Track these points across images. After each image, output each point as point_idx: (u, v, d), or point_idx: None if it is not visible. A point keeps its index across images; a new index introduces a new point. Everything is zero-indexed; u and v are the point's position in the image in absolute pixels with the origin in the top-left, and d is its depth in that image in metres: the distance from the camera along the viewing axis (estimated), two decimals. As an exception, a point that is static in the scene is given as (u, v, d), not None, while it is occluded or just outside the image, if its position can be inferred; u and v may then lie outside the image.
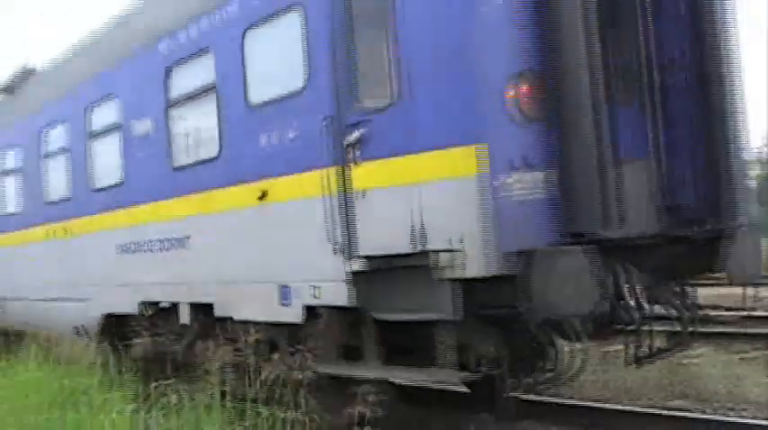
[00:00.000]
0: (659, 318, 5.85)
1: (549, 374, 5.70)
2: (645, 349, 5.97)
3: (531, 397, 6.46)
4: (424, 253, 4.55)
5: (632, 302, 4.96)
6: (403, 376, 5.41)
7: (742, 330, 9.64)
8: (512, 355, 5.12)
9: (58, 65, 10.10)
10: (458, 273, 4.41)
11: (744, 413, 6.29)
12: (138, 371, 7.45)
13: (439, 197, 4.50)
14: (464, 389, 6.26)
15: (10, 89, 11.94)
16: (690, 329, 5.76)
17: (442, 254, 4.45)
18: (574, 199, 4.51)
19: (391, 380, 5.34)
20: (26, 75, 11.56)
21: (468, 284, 4.49)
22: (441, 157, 4.47)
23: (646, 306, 4.99)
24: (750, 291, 11.59)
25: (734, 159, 5.32)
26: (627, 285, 4.96)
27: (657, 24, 5.52)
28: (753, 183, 6.09)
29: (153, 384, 6.31)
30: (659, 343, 5.90)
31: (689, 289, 5.84)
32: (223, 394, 5.53)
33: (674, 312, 5.67)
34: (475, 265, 4.33)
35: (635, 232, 5.16)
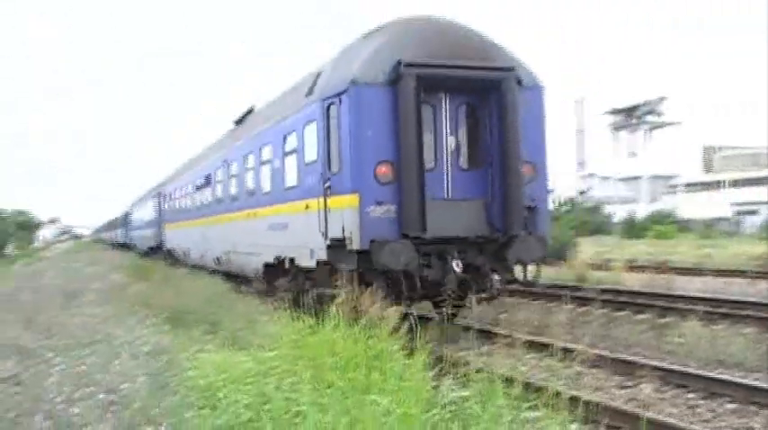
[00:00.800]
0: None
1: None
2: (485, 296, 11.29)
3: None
4: (345, 238, 10.50)
5: (457, 269, 10.46)
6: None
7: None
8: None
9: (250, 120, 17.36)
10: (352, 248, 10.31)
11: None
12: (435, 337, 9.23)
13: (348, 215, 10.43)
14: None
15: (240, 122, 19.56)
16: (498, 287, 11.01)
17: (347, 238, 10.38)
18: (405, 219, 10.15)
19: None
20: (248, 113, 19.04)
21: (361, 253, 10.32)
22: (348, 198, 10.40)
23: (458, 269, 10.40)
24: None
25: (518, 204, 10.49)
26: (456, 261, 10.48)
27: (482, 132, 10.89)
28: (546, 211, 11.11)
29: (448, 353, 7.60)
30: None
31: (510, 265, 11.06)
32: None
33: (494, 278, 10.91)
34: (355, 245, 10.22)
35: (468, 235, 10.64)
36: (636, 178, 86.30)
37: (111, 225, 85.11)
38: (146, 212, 40.80)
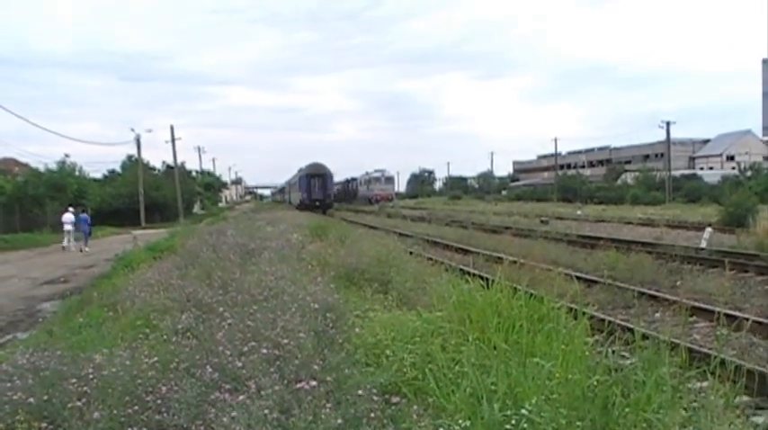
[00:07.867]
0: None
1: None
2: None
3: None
4: (300, 199, 66.40)
5: (317, 204, 64.08)
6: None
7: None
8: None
9: (300, 171, 73.35)
10: (300, 200, 65.75)
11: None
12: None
13: (300, 195, 66.36)
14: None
15: (299, 170, 74.84)
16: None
17: (300, 199, 67.79)
18: (307, 196, 67.86)
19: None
20: (300, 168, 74.15)
21: (301, 202, 64.87)
22: (301, 193, 66.52)
23: (317, 204, 63.96)
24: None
25: (327, 193, 65.36)
26: (317, 201, 64.41)
27: (322, 183, 66.42)
28: (332, 196, 65.67)
29: (611, 319, 8.01)
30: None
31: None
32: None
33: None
34: (301, 200, 66.77)
35: (317, 200, 65.35)
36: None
37: (277, 192, 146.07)
38: (286, 189, 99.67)
